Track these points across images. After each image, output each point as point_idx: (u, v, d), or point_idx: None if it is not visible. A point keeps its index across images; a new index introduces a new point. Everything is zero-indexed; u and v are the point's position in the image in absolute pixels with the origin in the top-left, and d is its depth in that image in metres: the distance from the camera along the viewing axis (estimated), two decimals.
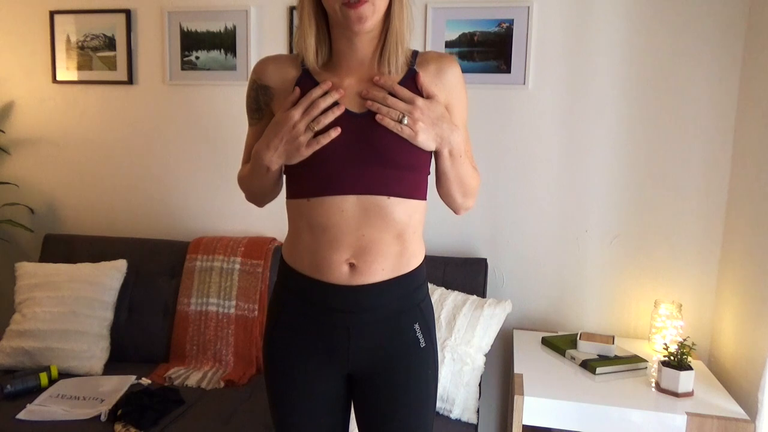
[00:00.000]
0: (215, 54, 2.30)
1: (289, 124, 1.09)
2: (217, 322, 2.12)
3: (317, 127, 1.08)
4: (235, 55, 2.28)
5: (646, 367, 1.82)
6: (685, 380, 1.65)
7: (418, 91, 1.12)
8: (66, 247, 2.32)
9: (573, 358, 1.87)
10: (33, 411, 1.77)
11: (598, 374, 1.77)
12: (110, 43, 2.39)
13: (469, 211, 2.12)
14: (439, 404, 1.83)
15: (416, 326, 1.19)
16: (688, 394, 1.66)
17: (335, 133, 1.08)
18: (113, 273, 2.18)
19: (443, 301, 1.93)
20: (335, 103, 1.09)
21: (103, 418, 1.74)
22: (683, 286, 2.04)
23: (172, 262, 2.26)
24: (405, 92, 1.09)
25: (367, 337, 1.16)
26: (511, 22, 2.07)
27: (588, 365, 1.80)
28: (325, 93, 1.10)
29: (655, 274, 2.07)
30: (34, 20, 2.45)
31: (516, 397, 1.63)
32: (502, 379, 2.23)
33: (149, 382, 1.98)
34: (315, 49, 1.12)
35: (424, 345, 1.19)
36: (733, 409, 1.60)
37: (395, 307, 1.17)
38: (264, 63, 1.19)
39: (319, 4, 1.10)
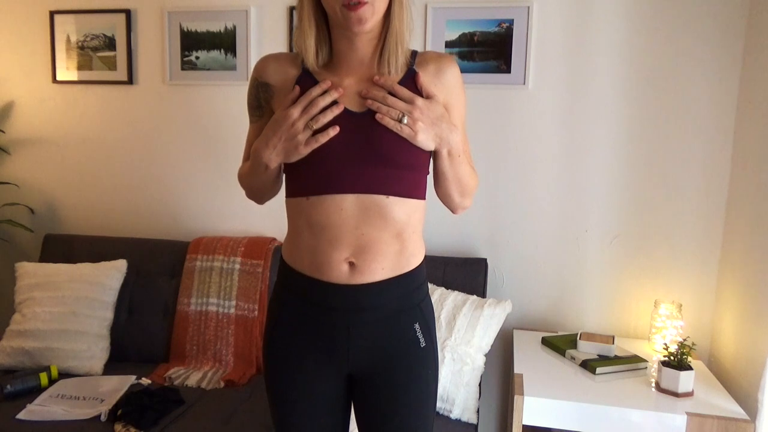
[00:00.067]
0: (215, 54, 2.30)
1: (287, 123, 1.09)
2: (217, 322, 2.12)
3: (316, 126, 1.08)
4: (235, 55, 2.28)
5: (646, 367, 1.82)
6: (685, 380, 1.65)
7: (417, 91, 1.12)
8: (66, 247, 2.32)
9: (573, 358, 1.87)
10: (33, 411, 1.77)
11: (598, 374, 1.77)
12: (110, 43, 2.39)
13: (469, 211, 2.15)
14: (439, 404, 1.83)
15: (416, 326, 1.19)
16: (688, 394, 1.66)
17: (334, 131, 1.08)
18: (113, 273, 2.18)
19: (443, 301, 1.93)
20: (334, 102, 1.10)
21: (103, 418, 1.74)
22: (683, 286, 2.04)
23: (172, 262, 2.26)
24: (405, 92, 1.10)
25: (367, 336, 1.16)
26: (511, 22, 2.07)
27: (588, 365, 1.80)
28: (325, 92, 1.10)
29: (655, 274, 2.07)
30: (34, 20, 2.45)
31: (516, 397, 1.63)
32: (502, 379, 2.23)
33: (149, 382, 1.98)
34: (315, 50, 1.13)
35: (424, 345, 1.19)
36: (733, 409, 1.60)
37: (395, 306, 1.17)
38: (265, 61, 1.19)
39: (319, 4, 1.10)
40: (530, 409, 1.63)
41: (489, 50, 2.09)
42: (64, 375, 2.00)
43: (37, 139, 2.52)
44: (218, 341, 2.11)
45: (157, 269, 2.25)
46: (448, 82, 1.15)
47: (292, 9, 2.22)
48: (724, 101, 1.95)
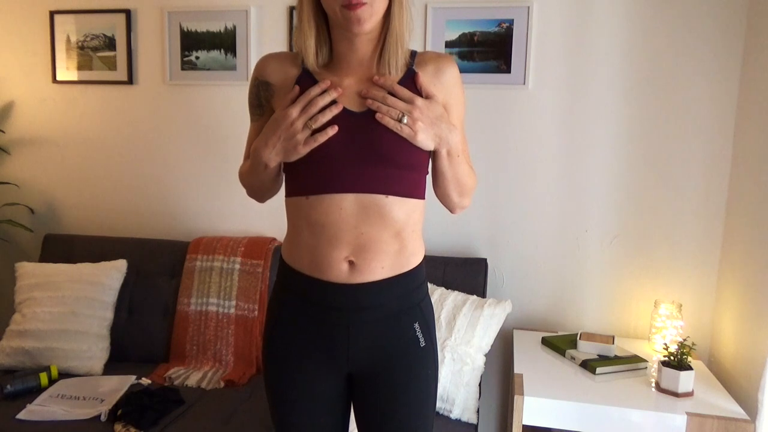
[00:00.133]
0: (215, 54, 2.30)
1: (286, 122, 1.09)
2: (217, 322, 2.12)
3: (315, 125, 1.08)
4: (235, 55, 2.28)
5: (646, 367, 1.82)
6: (685, 380, 1.65)
7: (417, 91, 1.12)
8: (66, 247, 2.32)
9: (573, 358, 1.87)
10: (33, 411, 1.77)
11: (598, 374, 1.77)
12: (110, 43, 2.39)
13: (469, 211, 2.15)
14: (439, 404, 1.82)
15: (416, 325, 1.19)
16: (688, 394, 1.66)
17: (332, 131, 1.08)
18: (113, 273, 2.18)
19: (443, 301, 1.93)
20: (333, 102, 1.10)
21: (103, 418, 1.74)
22: (683, 286, 2.04)
23: (172, 262, 2.26)
24: (405, 92, 1.10)
25: (367, 336, 1.16)
26: (511, 22, 2.07)
27: (588, 365, 1.80)
28: (324, 91, 1.10)
29: (655, 274, 2.06)
30: (34, 20, 2.45)
31: (516, 397, 1.63)
32: (502, 379, 2.23)
33: (149, 382, 1.98)
34: (315, 50, 1.13)
35: (423, 344, 1.19)
36: (733, 409, 1.60)
37: (395, 306, 1.17)
38: (266, 60, 1.19)
39: (319, 5, 1.11)
40: (530, 409, 1.63)
41: (489, 50, 2.09)
42: (64, 375, 2.00)
43: (37, 139, 2.52)
44: (218, 341, 2.11)
45: (157, 269, 2.25)
46: (447, 82, 1.15)
47: (292, 9, 2.22)
48: (724, 101, 1.95)
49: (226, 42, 2.28)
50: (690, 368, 1.67)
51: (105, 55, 2.40)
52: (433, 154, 1.16)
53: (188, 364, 2.10)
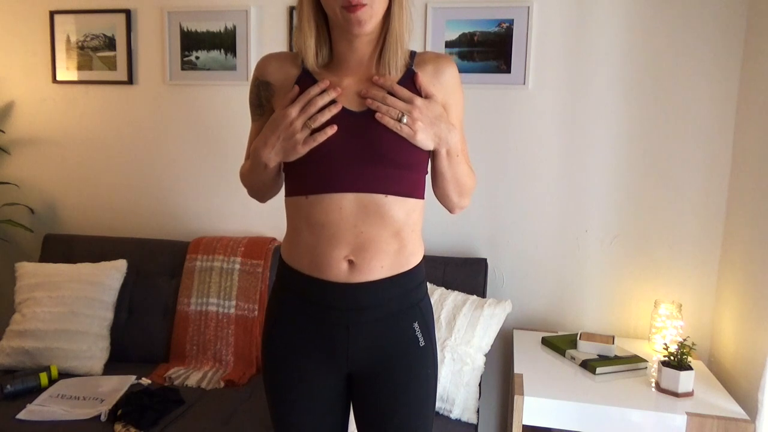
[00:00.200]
0: (215, 54, 2.30)
1: (286, 122, 1.09)
2: (217, 322, 2.12)
3: (314, 125, 1.09)
4: (235, 55, 2.28)
5: (646, 367, 1.82)
6: (685, 380, 1.65)
7: (416, 91, 1.12)
8: (66, 247, 2.32)
9: (573, 358, 1.87)
10: (33, 411, 1.77)
11: (598, 374, 1.77)
12: (110, 43, 2.39)
13: (469, 211, 2.15)
14: (439, 404, 1.82)
15: (415, 325, 1.19)
16: (688, 394, 1.66)
17: (331, 131, 1.08)
18: (113, 273, 2.18)
19: (443, 301, 1.93)
20: (333, 102, 1.10)
21: (103, 418, 1.74)
22: (683, 286, 2.04)
23: (172, 262, 2.26)
24: (404, 92, 1.10)
25: (367, 335, 1.16)
26: (511, 22, 2.07)
27: (588, 365, 1.80)
28: (323, 91, 1.10)
29: (655, 274, 2.06)
30: (34, 20, 2.45)
31: (516, 397, 1.63)
32: (502, 379, 2.23)
33: (149, 382, 1.98)
34: (315, 50, 1.13)
35: (423, 344, 1.19)
36: (733, 409, 1.60)
37: (394, 305, 1.17)
38: (266, 60, 1.20)
39: (319, 5, 1.11)
40: (530, 409, 1.63)
41: (489, 50, 2.09)
42: (64, 375, 2.00)
43: (37, 139, 2.52)
44: (218, 341, 2.11)
45: (157, 269, 2.25)
46: (447, 83, 1.15)
47: (292, 9, 2.22)
48: (724, 101, 1.95)
49: (226, 42, 2.28)
50: (690, 368, 1.67)
51: (105, 55, 2.40)
52: (433, 154, 1.16)
53: (188, 364, 2.10)
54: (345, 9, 1.04)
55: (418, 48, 2.02)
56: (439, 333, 1.84)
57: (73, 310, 2.06)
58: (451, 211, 1.27)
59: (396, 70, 1.12)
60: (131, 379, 1.98)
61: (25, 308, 2.08)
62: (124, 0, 2.36)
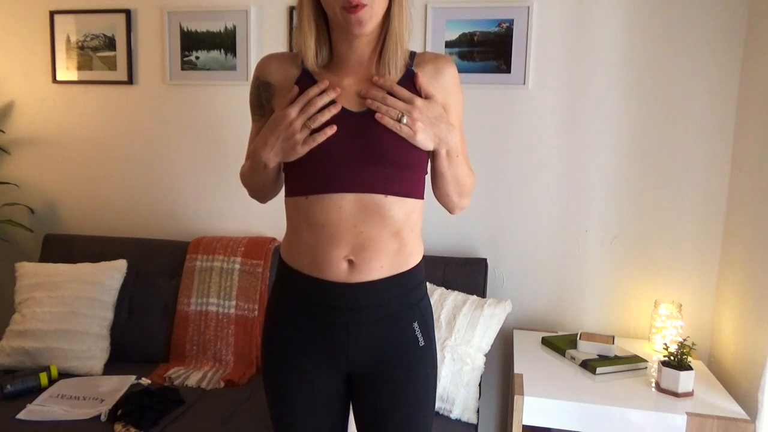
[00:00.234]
0: (215, 54, 2.30)
1: (285, 122, 1.09)
2: (217, 322, 2.12)
3: (313, 125, 1.09)
4: (235, 55, 2.28)
5: (646, 367, 1.82)
6: (685, 380, 1.65)
7: (416, 91, 1.12)
8: (66, 247, 2.32)
9: (573, 358, 1.87)
10: (33, 411, 1.77)
11: (598, 374, 1.77)
12: (110, 43, 2.39)
13: (469, 211, 2.15)
14: (439, 404, 1.82)
15: (415, 325, 1.19)
16: (688, 394, 1.66)
17: (331, 131, 1.08)
18: (113, 273, 2.18)
19: (443, 301, 1.93)
20: (332, 102, 1.10)
21: (103, 418, 1.74)
22: (683, 286, 2.04)
23: (172, 262, 2.26)
24: (404, 92, 1.10)
25: (366, 335, 1.16)
26: (511, 22, 2.07)
27: (588, 365, 1.80)
28: (323, 91, 1.10)
29: (655, 274, 2.06)
30: (34, 20, 2.45)
31: (516, 397, 1.63)
32: (502, 379, 2.23)
33: (149, 382, 1.98)
34: (315, 51, 1.13)
35: (423, 344, 1.19)
36: (733, 409, 1.60)
37: (394, 305, 1.17)
38: (267, 60, 1.20)
39: (319, 5, 1.11)
40: (530, 409, 1.63)
41: (489, 50, 2.09)
42: (64, 375, 2.00)
43: (37, 139, 2.52)
44: (218, 341, 2.11)
45: (157, 269, 2.25)
46: (446, 83, 1.15)
47: (292, 9, 2.22)
48: (724, 101, 1.95)
49: (226, 42, 2.28)
50: (690, 368, 1.67)
51: (105, 55, 2.40)
52: (433, 155, 1.16)
53: (188, 364, 2.10)
54: (345, 9, 1.04)
55: (418, 48, 2.02)
56: (439, 333, 1.84)
57: (73, 310, 2.06)
58: (451, 211, 1.27)
59: (396, 70, 1.12)
60: (131, 379, 1.98)
61: (25, 308, 2.08)
62: (124, 0, 2.36)
